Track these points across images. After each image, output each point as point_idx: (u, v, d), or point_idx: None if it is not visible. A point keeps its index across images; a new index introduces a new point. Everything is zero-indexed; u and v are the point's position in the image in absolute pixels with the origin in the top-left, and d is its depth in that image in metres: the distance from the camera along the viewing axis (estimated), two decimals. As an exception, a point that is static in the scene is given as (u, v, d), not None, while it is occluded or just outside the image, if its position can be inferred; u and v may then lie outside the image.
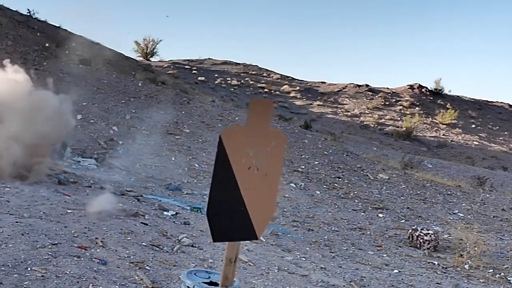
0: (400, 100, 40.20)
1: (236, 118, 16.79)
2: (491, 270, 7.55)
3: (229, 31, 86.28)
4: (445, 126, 36.15)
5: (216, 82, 39.33)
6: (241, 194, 2.59)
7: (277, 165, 2.74)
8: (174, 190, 9.61)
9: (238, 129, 2.57)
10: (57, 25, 27.74)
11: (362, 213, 10.90)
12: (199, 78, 38.82)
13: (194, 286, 2.85)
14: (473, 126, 37.40)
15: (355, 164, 15.42)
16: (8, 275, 3.87)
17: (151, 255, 5.13)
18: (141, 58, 39.02)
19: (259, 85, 40.40)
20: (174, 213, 7.35)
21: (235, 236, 2.66)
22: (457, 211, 12.29)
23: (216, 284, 2.89)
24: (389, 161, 18.01)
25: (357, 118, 35.59)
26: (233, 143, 2.52)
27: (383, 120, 35.94)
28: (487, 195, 14.53)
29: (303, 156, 14.77)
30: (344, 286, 5.67)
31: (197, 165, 11.79)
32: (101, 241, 5.11)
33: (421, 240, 8.55)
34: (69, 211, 5.92)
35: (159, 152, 12.10)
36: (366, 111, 37.31)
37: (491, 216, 12.07)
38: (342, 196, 12.16)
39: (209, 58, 46.14)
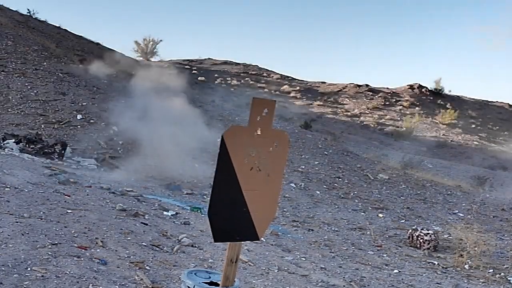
0: (400, 100, 40.21)
1: (236, 118, 16.79)
2: (491, 270, 7.55)
3: (229, 31, 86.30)
4: (445, 126, 36.16)
5: (216, 82, 39.35)
6: (243, 195, 2.59)
7: (279, 165, 2.73)
8: (174, 190, 9.61)
9: (240, 129, 2.57)
10: (57, 25, 27.76)
11: (362, 213, 10.90)
12: (199, 78, 38.83)
13: (194, 286, 2.84)
14: (473, 126, 37.40)
15: (355, 164, 15.42)
16: (8, 275, 3.87)
17: (151, 255, 5.12)
18: (141, 58, 39.03)
19: (259, 85, 40.42)
20: (174, 213, 7.35)
21: (236, 237, 2.65)
22: (457, 211, 12.29)
23: (216, 284, 2.89)
24: (389, 161, 18.00)
25: (357, 118, 35.59)
26: (235, 143, 2.52)
27: (383, 120, 35.94)
28: (487, 195, 14.52)
29: (303, 156, 14.76)
30: (344, 286, 5.66)
31: (197, 165, 11.79)
32: (101, 241, 5.10)
33: (421, 240, 8.55)
34: (69, 211, 5.91)
35: (159, 152, 12.10)
36: (366, 111, 37.31)
37: (491, 216, 12.07)
38: (342, 196, 12.16)
39: (209, 58, 46.16)
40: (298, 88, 40.55)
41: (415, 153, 25.15)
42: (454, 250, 8.37)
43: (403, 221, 10.66)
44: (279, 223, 8.83)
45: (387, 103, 39.50)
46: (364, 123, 34.65)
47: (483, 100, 43.62)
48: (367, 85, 42.52)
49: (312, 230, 8.82)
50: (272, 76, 43.70)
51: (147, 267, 4.74)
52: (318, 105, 37.37)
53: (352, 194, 12.45)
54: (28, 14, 26.40)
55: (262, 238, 6.68)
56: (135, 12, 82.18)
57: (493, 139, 35.38)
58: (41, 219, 5.39)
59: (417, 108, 38.72)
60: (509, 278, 7.25)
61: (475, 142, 33.76)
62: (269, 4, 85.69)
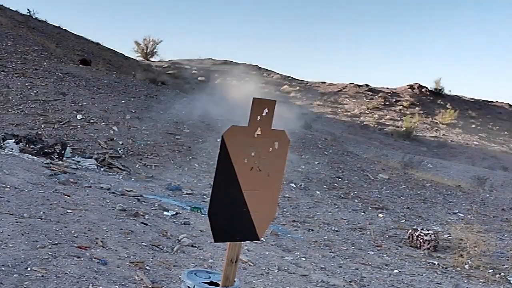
0: (400, 100, 40.21)
1: (236, 118, 16.78)
2: (491, 270, 7.55)
3: (229, 31, 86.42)
4: (445, 126, 36.17)
5: (216, 82, 39.34)
6: (243, 195, 2.59)
7: (279, 165, 2.74)
8: (174, 190, 9.61)
9: (240, 129, 2.57)
10: (57, 25, 27.79)
11: (362, 213, 10.90)
12: (199, 78, 38.84)
13: (194, 286, 2.84)
14: (473, 126, 37.41)
15: (355, 164, 15.42)
16: (8, 275, 3.87)
17: (151, 255, 5.12)
18: (141, 58, 39.09)
19: (259, 85, 40.40)
20: (174, 213, 7.35)
21: (236, 237, 2.65)
22: (457, 211, 12.29)
23: (216, 284, 2.89)
24: (389, 161, 18.01)
25: (357, 118, 35.60)
26: (235, 143, 2.52)
27: (383, 120, 35.94)
28: (487, 195, 14.53)
29: (303, 156, 14.77)
30: (344, 286, 5.67)
31: (197, 165, 11.79)
32: (101, 241, 5.10)
33: (421, 240, 8.55)
34: (69, 211, 5.91)
35: (159, 152, 12.11)
36: (366, 111, 37.31)
37: (491, 216, 12.07)
38: (342, 196, 12.16)
39: (209, 58, 46.20)
40: (298, 88, 40.56)
41: (415, 153, 25.15)
42: (454, 250, 8.37)
43: (403, 221, 10.66)
44: (279, 223, 8.83)
45: (387, 103, 39.50)
46: (364, 123, 34.65)
47: (483, 100, 43.63)
48: (367, 85, 42.54)
49: (312, 230, 8.82)
50: (272, 76, 43.73)
51: (147, 267, 4.74)
52: (318, 105, 37.37)
53: (352, 194, 12.45)
54: (28, 14, 26.43)
55: (262, 238, 6.68)
56: (135, 12, 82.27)
57: (493, 139, 35.38)
58: (41, 219, 5.39)
59: (417, 108, 38.72)
60: (509, 278, 7.25)
61: (475, 142, 33.77)
62: (269, 4, 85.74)
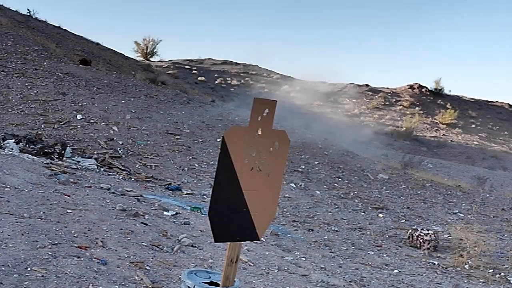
0: (400, 100, 40.23)
1: (236, 118, 16.79)
2: (491, 270, 7.55)
3: (229, 31, 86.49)
4: (445, 126, 36.18)
5: (216, 82, 39.39)
6: (244, 195, 2.59)
7: (279, 165, 2.74)
8: (174, 190, 9.61)
9: (241, 129, 2.57)
10: (57, 25, 27.81)
11: (362, 213, 10.89)
12: (199, 78, 38.87)
13: (194, 286, 2.84)
14: (473, 126, 37.43)
15: (355, 164, 15.42)
16: (8, 275, 3.87)
17: (151, 255, 5.12)
18: (141, 58, 39.10)
19: (259, 85, 40.48)
20: (174, 213, 7.34)
21: (237, 237, 2.65)
22: (457, 211, 12.29)
23: (216, 284, 2.89)
24: (389, 161, 18.01)
25: (357, 118, 35.61)
26: (236, 143, 2.52)
27: (383, 120, 35.96)
28: (487, 195, 14.53)
29: (303, 156, 14.76)
30: (344, 286, 5.66)
31: (197, 165, 11.79)
32: (101, 241, 5.10)
33: (421, 240, 8.55)
34: (69, 211, 5.91)
35: (159, 152, 12.11)
36: (366, 111, 37.33)
37: (491, 216, 12.07)
38: (342, 196, 12.16)
39: (209, 58, 46.23)
40: (298, 88, 40.58)
41: (415, 153, 25.16)
42: (454, 250, 8.37)
43: (403, 221, 10.66)
44: (279, 223, 8.83)
45: (387, 103, 39.52)
46: (364, 123, 34.65)
47: (483, 100, 43.65)
48: (367, 85, 42.59)
49: (312, 230, 8.82)
50: (272, 76, 43.75)
51: (147, 267, 4.74)
52: (318, 105, 37.39)
53: (352, 194, 12.45)
54: (28, 14, 26.46)
55: (262, 238, 6.68)
56: (135, 12, 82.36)
57: (493, 139, 35.40)
58: (41, 219, 5.39)
59: (417, 108, 38.73)
60: (509, 278, 7.25)
61: (475, 142, 33.77)
62: (269, 5, 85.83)
